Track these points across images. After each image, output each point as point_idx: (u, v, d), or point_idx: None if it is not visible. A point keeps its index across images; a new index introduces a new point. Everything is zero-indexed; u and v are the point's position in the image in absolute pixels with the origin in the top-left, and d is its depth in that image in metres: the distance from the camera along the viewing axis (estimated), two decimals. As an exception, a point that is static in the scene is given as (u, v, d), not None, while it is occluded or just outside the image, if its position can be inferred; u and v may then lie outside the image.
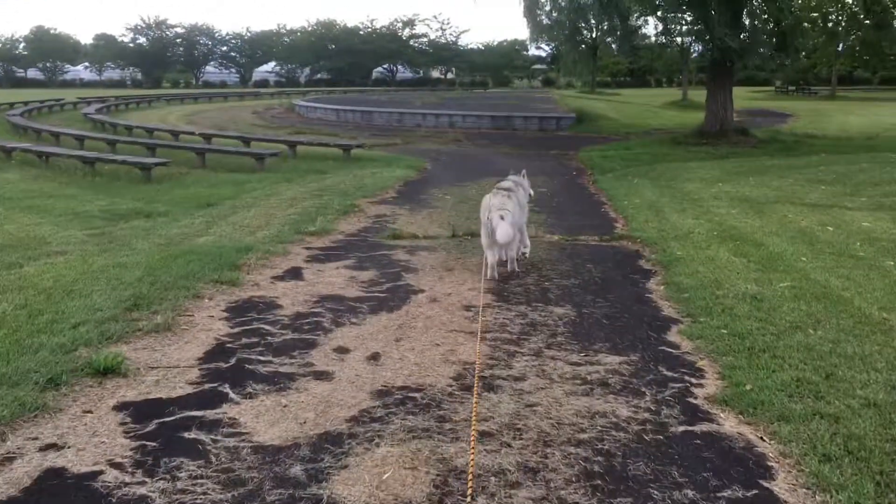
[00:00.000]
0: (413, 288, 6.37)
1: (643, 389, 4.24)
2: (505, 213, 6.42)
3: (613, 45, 70.68)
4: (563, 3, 55.01)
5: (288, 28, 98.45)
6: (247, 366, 4.55)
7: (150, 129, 22.75)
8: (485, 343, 4.98)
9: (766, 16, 18.48)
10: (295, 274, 6.81)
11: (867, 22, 41.39)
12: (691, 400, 4.10)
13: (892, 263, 6.83)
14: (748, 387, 4.14)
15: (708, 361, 4.63)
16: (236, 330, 5.22)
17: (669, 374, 4.47)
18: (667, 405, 4.02)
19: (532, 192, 8.15)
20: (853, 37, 52.57)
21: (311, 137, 21.05)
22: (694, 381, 4.36)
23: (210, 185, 12.81)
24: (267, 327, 5.28)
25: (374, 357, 4.72)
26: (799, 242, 7.79)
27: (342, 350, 4.84)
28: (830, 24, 47.80)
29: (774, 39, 18.35)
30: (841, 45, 53.69)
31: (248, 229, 8.68)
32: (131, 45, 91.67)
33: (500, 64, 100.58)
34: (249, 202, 10.82)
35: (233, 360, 4.63)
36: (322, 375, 4.41)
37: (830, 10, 46.14)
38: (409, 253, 7.71)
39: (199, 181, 13.55)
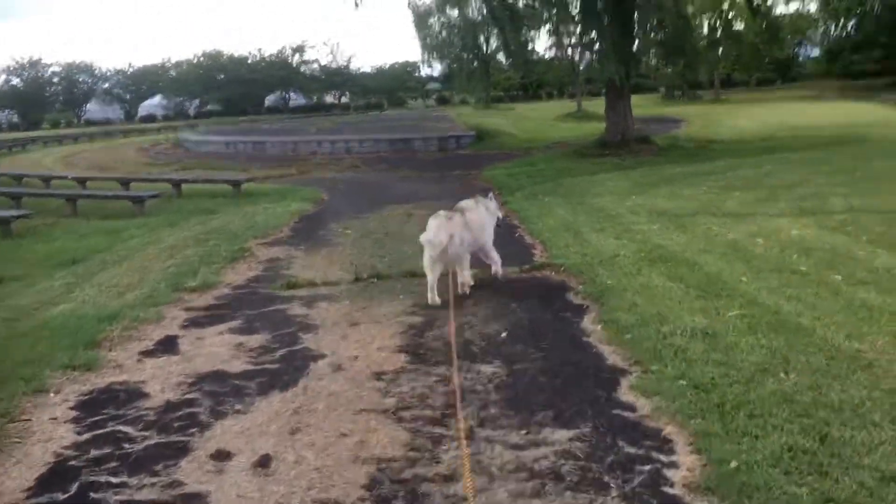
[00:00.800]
0: (312, 353, 5.36)
1: (606, 479, 3.38)
2: (439, 230, 6.46)
3: (505, 61, 71.58)
4: (452, 21, 55.05)
5: (174, 61, 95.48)
6: (92, 494, 3.45)
7: (17, 176, 20.80)
8: (402, 426, 4.04)
9: (657, 21, 18.28)
10: (168, 346, 5.69)
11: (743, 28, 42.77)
12: (668, 489, 3.27)
13: (838, 278, 6.25)
14: (733, 464, 3.34)
15: (674, 427, 3.82)
16: (85, 437, 4.10)
17: (632, 450, 3.63)
18: (640, 502, 3.17)
19: (500, 216, 7.77)
20: (731, 42, 54.52)
21: (198, 174, 19.66)
22: (664, 458, 3.53)
23: (80, 237, 11.38)
24: (126, 429, 4.18)
25: (263, 462, 3.71)
26: (733, 259, 7.18)
27: (222, 455, 3.81)
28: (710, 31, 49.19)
29: (663, 44, 18.19)
30: (721, 50, 55.54)
31: (117, 290, 7.45)
32: (5, 87, 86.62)
33: (393, 85, 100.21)
34: (123, 254, 9.53)
35: (74, 488, 3.53)
36: (193, 501, 3.37)
37: (710, 15, 47.45)
38: (306, 305, 6.68)
39: (69, 232, 12.07)
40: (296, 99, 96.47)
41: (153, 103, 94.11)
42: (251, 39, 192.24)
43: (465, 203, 7.27)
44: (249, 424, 4.16)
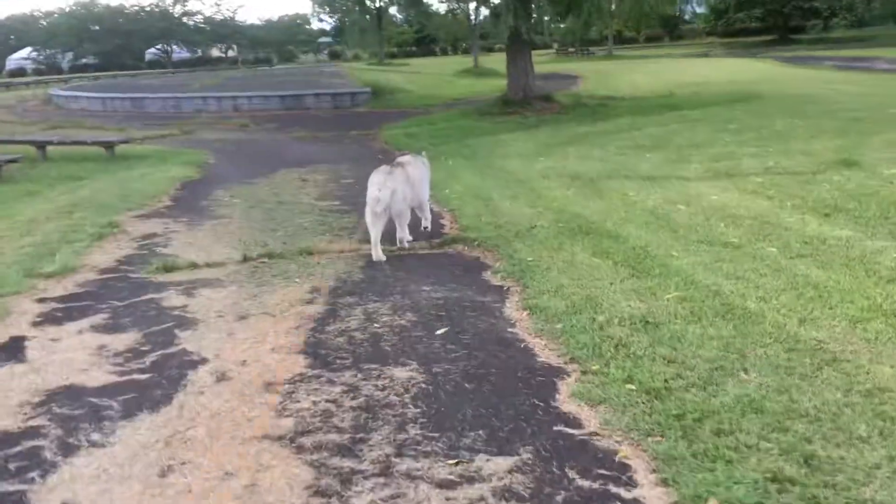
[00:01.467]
0: (192, 357, 4.48)
1: (560, 528, 2.73)
2: (384, 187, 6.33)
3: (400, 14, 69.92)
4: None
5: (44, 11, 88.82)
6: None
7: None
8: (302, 459, 3.27)
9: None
10: (13, 351, 4.69)
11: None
12: (638, 541, 2.65)
13: (773, 250, 5.81)
14: (712, 503, 2.75)
15: (630, 448, 3.20)
16: None
17: (586, 483, 2.99)
18: (608, 563, 2.54)
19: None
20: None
21: (66, 134, 17.91)
22: (625, 493, 2.91)
23: (-80, 210, 9.92)
24: (-60, 478, 3.25)
25: (123, 524, 2.88)
26: (658, 230, 6.67)
27: (68, 514, 2.95)
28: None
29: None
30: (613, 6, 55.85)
31: (-45, 278, 6.30)
32: None
33: (283, 39, 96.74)
34: (-30, 231, 8.25)
35: None
36: None
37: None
38: (185, 293, 5.75)
39: None
40: (179, 52, 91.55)
41: (22, 56, 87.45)
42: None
43: (404, 158, 7.13)
44: (108, 464, 3.29)
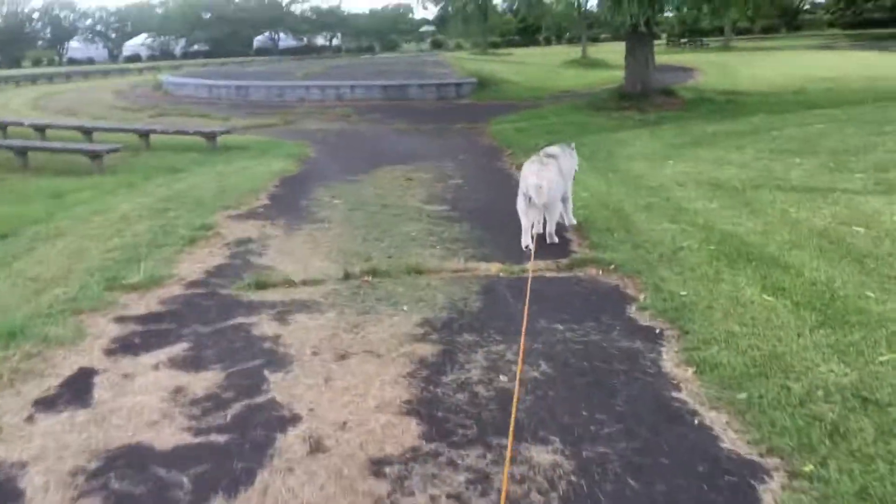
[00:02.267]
0: (282, 412, 3.67)
1: None
2: (542, 178, 6.17)
3: (504, 3, 68.70)
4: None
5: None
6: None
7: (-28, 121, 18.81)
8: None
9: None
10: (79, 390, 4.00)
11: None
12: None
13: None
14: None
15: None
16: None
17: None
18: None
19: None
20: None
21: (171, 122, 17.76)
22: None
23: (19, 200, 9.61)
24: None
25: None
26: (838, 259, 5.49)
27: None
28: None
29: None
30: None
31: (35, 286, 5.74)
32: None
33: (386, 28, 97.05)
34: (63, 227, 7.79)
35: None
36: None
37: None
38: (279, 318, 4.98)
39: (9, 193, 10.31)
40: (286, 40, 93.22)
41: (138, 42, 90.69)
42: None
43: (553, 149, 6.89)
44: (166, 582, 2.50)
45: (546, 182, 6.18)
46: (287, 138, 15.33)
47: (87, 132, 15.04)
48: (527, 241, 6.38)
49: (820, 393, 3.50)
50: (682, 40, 57.30)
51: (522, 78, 27.44)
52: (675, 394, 3.73)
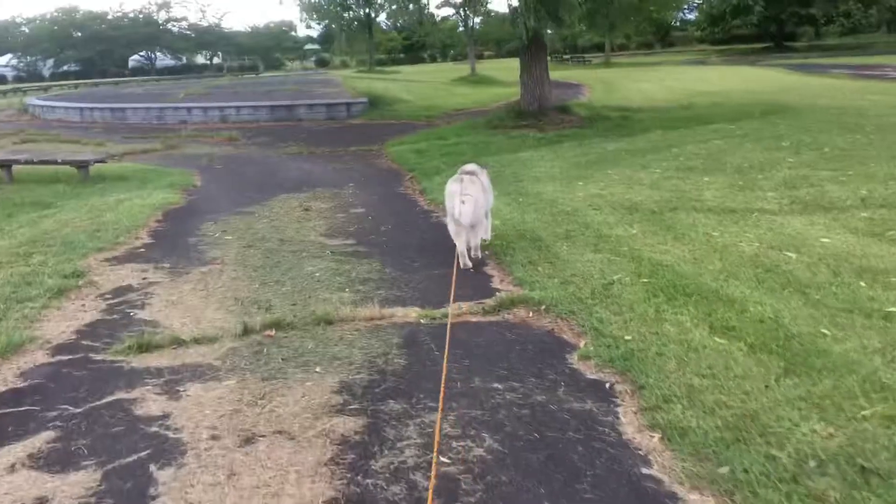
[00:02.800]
0: (174, 529, 2.94)
1: None
2: (466, 198, 6.20)
3: (388, 22, 68.35)
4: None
5: (25, 17, 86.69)
6: None
7: None
8: None
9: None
10: None
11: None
12: None
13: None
14: None
15: None
16: None
17: None
18: None
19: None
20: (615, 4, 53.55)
21: (38, 150, 16.28)
22: None
23: None
24: None
25: None
26: (779, 290, 5.17)
27: None
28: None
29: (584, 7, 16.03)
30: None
31: None
32: None
33: (269, 46, 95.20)
34: None
35: None
36: None
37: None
38: (167, 391, 4.20)
39: None
40: (163, 59, 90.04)
41: (2, 63, 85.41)
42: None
43: (471, 166, 6.94)
44: None
45: (472, 202, 6.20)
46: (170, 165, 14.26)
47: (-61, 164, 13.48)
48: (466, 262, 6.39)
49: (812, 464, 3.06)
50: (565, 57, 58.59)
51: (414, 96, 27.01)
52: (645, 470, 3.21)
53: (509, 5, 16.06)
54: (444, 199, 6.83)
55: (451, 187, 6.42)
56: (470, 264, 6.39)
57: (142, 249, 7.70)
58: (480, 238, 6.72)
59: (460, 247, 6.39)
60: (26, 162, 12.85)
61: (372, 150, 15.33)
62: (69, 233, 8.37)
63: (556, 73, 43.05)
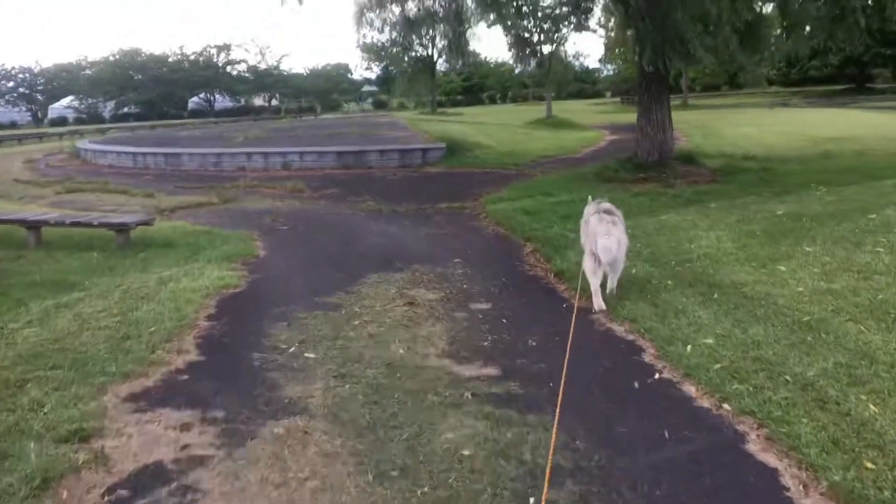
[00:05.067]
0: None
1: None
2: (611, 230, 6.33)
3: (446, 64, 66.72)
4: (394, 19, 50.02)
5: (90, 60, 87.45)
6: None
7: None
8: None
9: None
10: None
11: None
12: None
13: None
14: None
15: None
16: None
17: None
18: None
19: None
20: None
21: (81, 202, 14.21)
22: None
23: None
24: None
25: None
26: None
27: None
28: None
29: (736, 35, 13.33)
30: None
31: None
32: None
33: (327, 88, 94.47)
34: None
35: None
36: None
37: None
38: None
39: None
40: (222, 101, 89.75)
41: (64, 105, 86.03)
42: (172, 38, 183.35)
43: (607, 204, 6.94)
44: None
45: (616, 241, 6.28)
46: (226, 225, 11.93)
47: (-40, 222, 11.36)
48: (600, 303, 6.36)
49: None
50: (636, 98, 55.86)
51: (493, 141, 24.55)
52: None
53: (631, 38, 13.50)
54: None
55: (598, 226, 6.42)
56: (604, 306, 6.35)
57: (185, 377, 5.22)
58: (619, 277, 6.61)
59: (595, 285, 6.43)
60: (56, 224, 10.60)
61: (466, 208, 12.79)
62: (87, 341, 5.95)
63: (631, 117, 40.53)
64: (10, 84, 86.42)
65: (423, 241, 10.11)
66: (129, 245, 10.14)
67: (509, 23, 15.24)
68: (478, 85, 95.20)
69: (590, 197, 7.62)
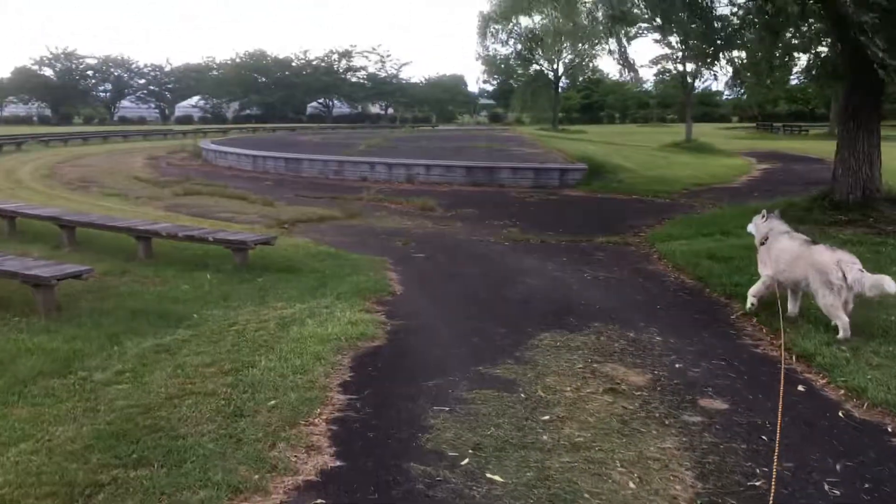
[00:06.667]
0: None
1: None
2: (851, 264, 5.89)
3: (566, 80, 64.38)
4: (520, 31, 48.32)
5: (217, 61, 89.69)
6: None
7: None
8: None
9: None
10: None
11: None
12: None
13: None
14: None
15: None
16: None
17: None
18: None
19: None
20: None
21: (198, 206, 13.11)
22: None
23: None
24: None
25: None
26: None
27: None
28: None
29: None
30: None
31: None
32: (36, 78, 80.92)
33: (443, 99, 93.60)
34: None
35: None
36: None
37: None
38: None
39: None
40: (339, 107, 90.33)
41: (190, 104, 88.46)
42: (296, 39, 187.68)
43: (785, 226, 6.70)
44: None
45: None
46: (353, 247, 10.44)
47: (69, 226, 10.27)
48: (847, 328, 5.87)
49: None
50: (776, 125, 52.21)
51: (633, 164, 22.41)
52: None
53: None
54: None
55: (842, 255, 5.98)
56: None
57: (319, 502, 3.56)
58: None
59: (845, 319, 5.86)
60: (168, 236, 9.32)
61: (629, 245, 10.86)
62: (188, 415, 4.46)
63: (772, 144, 37.32)
64: (142, 81, 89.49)
65: (591, 288, 8.25)
66: (245, 266, 8.74)
67: (692, 26, 13.17)
68: (597, 103, 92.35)
69: (764, 211, 7.11)
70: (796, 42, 14.14)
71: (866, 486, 3.78)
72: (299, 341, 5.95)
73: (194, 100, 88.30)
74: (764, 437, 4.31)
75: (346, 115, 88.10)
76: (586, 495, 3.62)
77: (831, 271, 5.85)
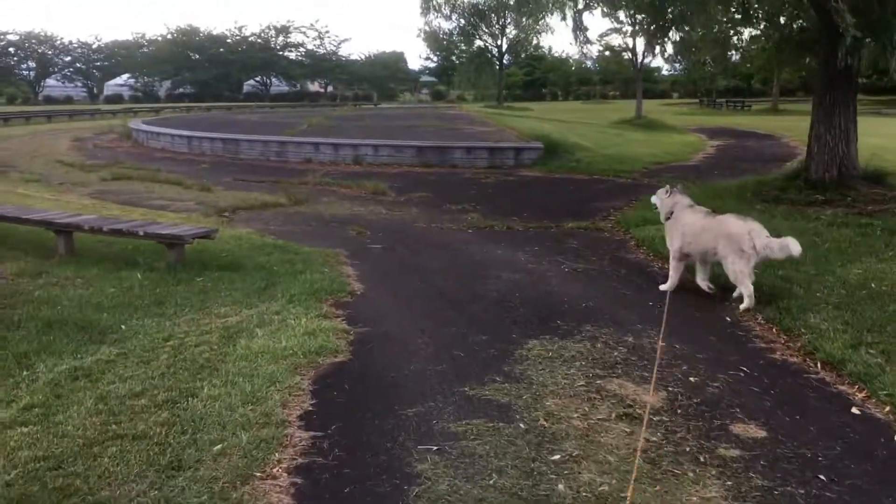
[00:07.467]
0: None
1: None
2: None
3: (509, 57, 63.69)
4: (463, 6, 47.36)
5: (147, 38, 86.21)
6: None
7: None
8: None
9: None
10: None
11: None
12: None
13: None
14: None
15: None
16: None
17: None
18: None
19: None
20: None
21: (128, 194, 11.93)
22: None
23: None
24: None
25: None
26: None
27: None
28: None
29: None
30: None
31: None
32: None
33: (383, 76, 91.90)
34: None
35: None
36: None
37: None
38: None
39: None
40: (277, 86, 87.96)
41: (120, 82, 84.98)
42: (230, 14, 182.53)
43: (687, 199, 7.03)
44: None
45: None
46: (303, 238, 9.49)
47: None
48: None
49: None
50: (718, 101, 52.40)
51: (589, 143, 21.73)
52: None
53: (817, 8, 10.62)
54: None
55: (753, 224, 6.42)
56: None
57: None
58: None
59: (751, 288, 6.23)
60: (92, 230, 8.22)
61: (602, 231, 10.15)
62: (110, 470, 3.57)
63: (716, 120, 37.24)
64: (68, 59, 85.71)
65: (572, 282, 7.48)
66: (181, 264, 7.71)
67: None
68: (539, 80, 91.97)
69: (668, 185, 7.33)
70: (760, 12, 13.62)
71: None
72: (248, 359, 5.04)
73: (124, 78, 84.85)
74: (822, 477, 3.58)
75: (284, 94, 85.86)
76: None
77: (744, 240, 6.20)
